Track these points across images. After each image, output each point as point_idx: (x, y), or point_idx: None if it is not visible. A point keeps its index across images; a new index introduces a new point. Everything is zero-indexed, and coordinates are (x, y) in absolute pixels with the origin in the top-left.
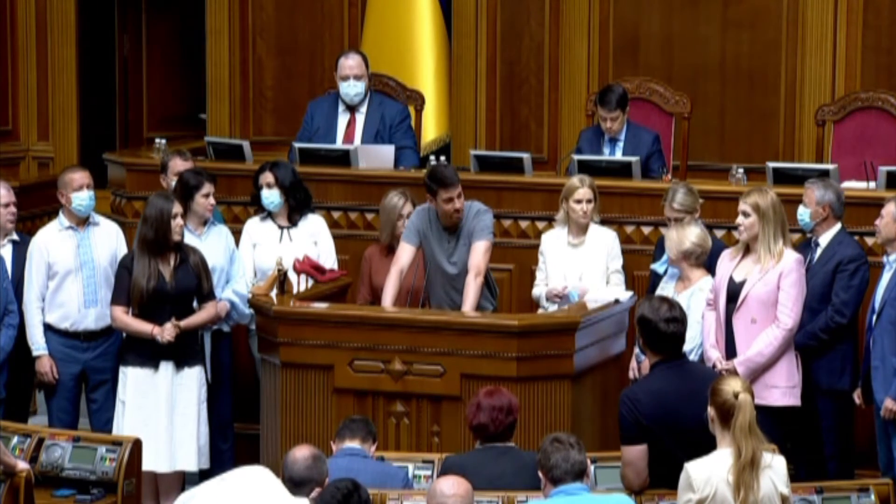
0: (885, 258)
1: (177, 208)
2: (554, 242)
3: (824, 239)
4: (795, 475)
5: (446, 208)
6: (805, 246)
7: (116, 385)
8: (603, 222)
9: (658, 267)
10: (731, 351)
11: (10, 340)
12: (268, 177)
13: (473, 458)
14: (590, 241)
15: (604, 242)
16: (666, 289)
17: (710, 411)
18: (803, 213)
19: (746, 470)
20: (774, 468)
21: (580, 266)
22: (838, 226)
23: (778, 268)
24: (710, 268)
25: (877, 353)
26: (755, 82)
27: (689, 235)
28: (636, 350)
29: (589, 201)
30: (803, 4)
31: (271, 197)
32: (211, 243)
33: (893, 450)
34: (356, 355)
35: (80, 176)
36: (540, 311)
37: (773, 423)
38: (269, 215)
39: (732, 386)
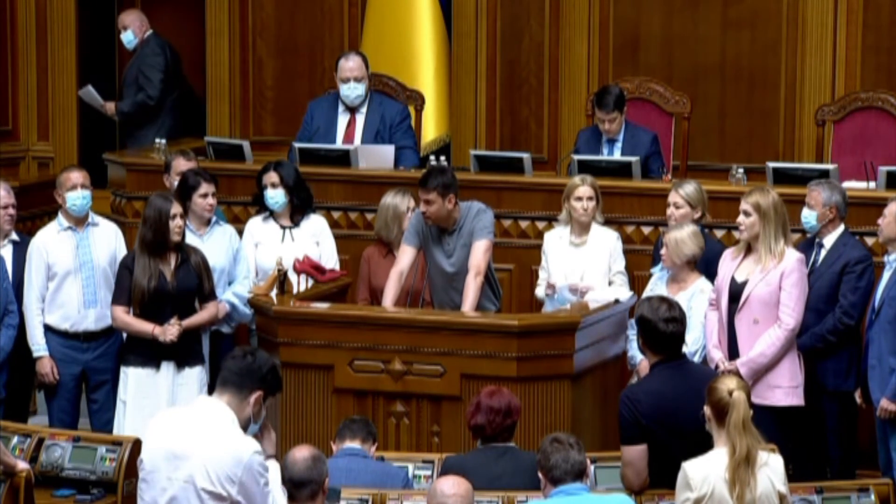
0: (886, 258)
1: (175, 209)
2: (556, 242)
3: (829, 240)
4: (796, 475)
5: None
6: (806, 246)
7: (117, 385)
8: (605, 222)
9: (659, 270)
10: (733, 351)
11: (10, 340)
12: (272, 176)
13: (473, 458)
14: (592, 241)
15: (606, 243)
16: (657, 289)
17: (707, 410)
18: (809, 216)
19: (741, 466)
20: (772, 467)
21: (582, 266)
22: (842, 227)
23: (780, 267)
24: (705, 269)
25: (874, 352)
26: (755, 82)
27: (689, 240)
28: (629, 353)
29: (590, 199)
30: (803, 4)
31: (276, 196)
32: (213, 243)
33: (892, 450)
34: (356, 355)
35: (76, 176)
36: (545, 310)
37: (777, 423)
38: (271, 215)
39: (727, 384)
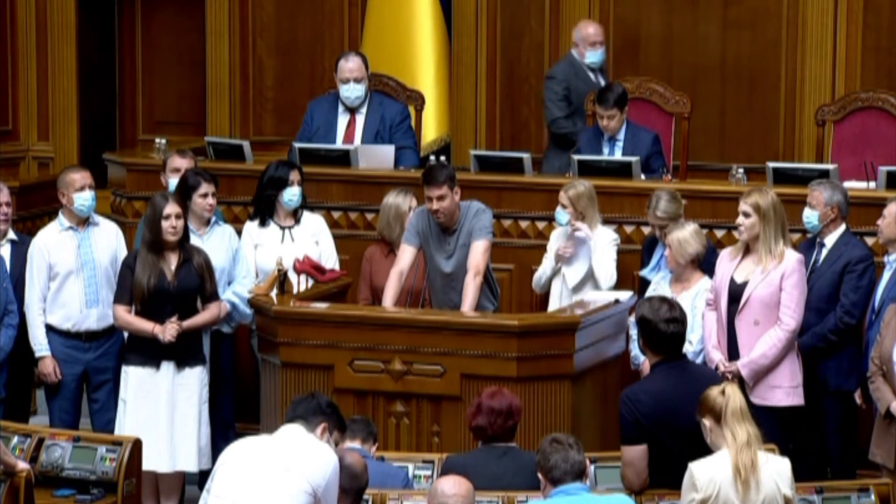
0: (886, 258)
1: (170, 209)
2: (561, 238)
3: (830, 240)
4: (796, 475)
5: (427, 205)
6: (807, 246)
7: (118, 385)
8: (604, 222)
9: (647, 274)
10: (733, 352)
11: (9, 340)
12: (297, 174)
13: (474, 457)
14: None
15: (597, 241)
16: (660, 289)
17: (706, 421)
18: (811, 216)
19: (744, 451)
20: (778, 469)
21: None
22: (843, 226)
23: (780, 268)
24: (706, 267)
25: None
26: (755, 82)
27: (692, 239)
28: (633, 353)
29: (564, 206)
30: (803, 4)
31: (297, 194)
32: (213, 243)
33: None
34: (356, 355)
35: (82, 176)
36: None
37: (777, 423)
38: (271, 217)
39: (716, 388)
